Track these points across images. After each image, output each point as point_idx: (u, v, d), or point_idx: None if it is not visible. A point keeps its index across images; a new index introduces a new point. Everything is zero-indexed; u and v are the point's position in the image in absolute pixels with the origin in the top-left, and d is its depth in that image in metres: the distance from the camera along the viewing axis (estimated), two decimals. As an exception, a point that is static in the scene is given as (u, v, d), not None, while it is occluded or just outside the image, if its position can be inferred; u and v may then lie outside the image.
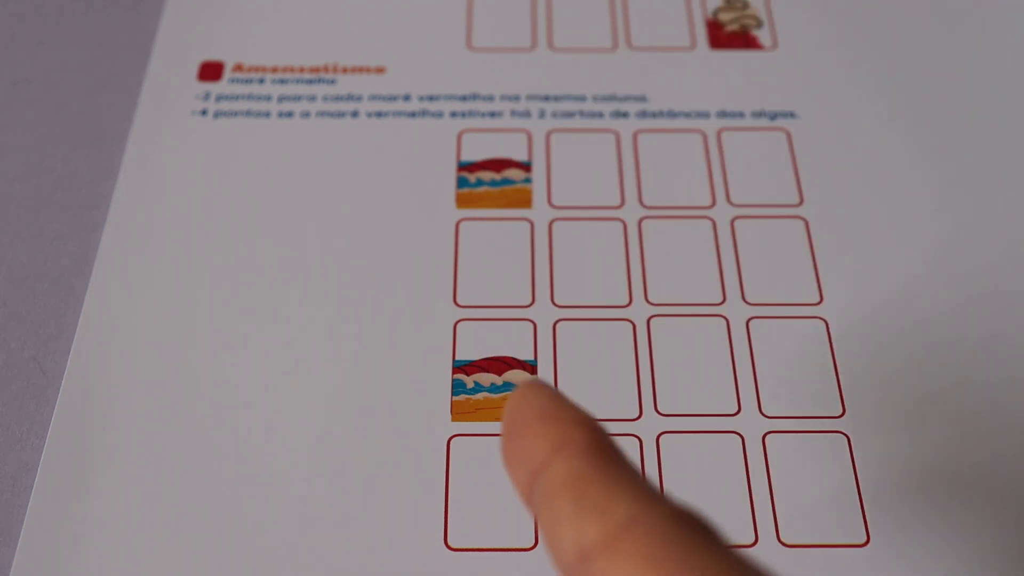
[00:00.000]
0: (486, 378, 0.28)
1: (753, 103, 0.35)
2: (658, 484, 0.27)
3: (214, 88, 0.35)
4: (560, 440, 0.15)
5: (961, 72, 0.36)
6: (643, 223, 0.32)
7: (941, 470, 0.27)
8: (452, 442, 0.27)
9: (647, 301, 0.30)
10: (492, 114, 0.35)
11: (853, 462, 0.27)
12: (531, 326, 0.29)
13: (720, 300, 0.30)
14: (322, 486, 0.27)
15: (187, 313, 0.30)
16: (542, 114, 0.34)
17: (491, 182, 0.33)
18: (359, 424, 0.28)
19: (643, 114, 0.34)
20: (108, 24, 0.38)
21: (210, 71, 0.36)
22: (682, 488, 0.26)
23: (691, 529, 0.14)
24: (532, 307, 0.30)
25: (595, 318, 0.30)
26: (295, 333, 0.29)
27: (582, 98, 0.35)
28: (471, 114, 0.35)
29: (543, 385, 0.17)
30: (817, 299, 0.30)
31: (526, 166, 0.33)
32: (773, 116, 0.35)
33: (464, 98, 0.35)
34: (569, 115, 0.34)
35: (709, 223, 0.32)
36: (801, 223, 0.32)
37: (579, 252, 0.31)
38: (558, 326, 0.29)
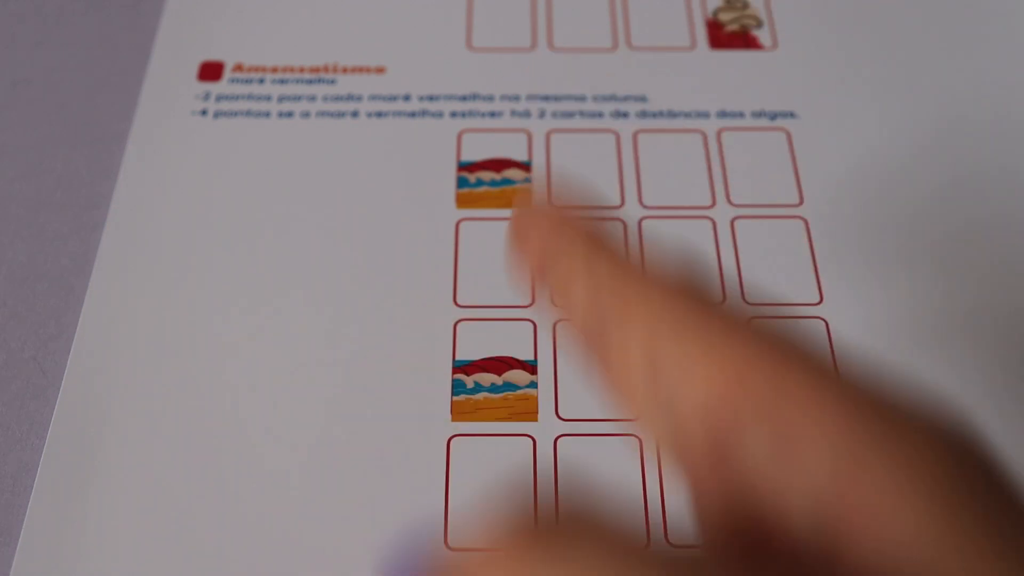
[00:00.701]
0: (486, 378, 0.28)
1: (753, 103, 0.35)
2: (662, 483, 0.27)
3: (214, 88, 0.35)
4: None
5: (961, 72, 0.36)
6: (643, 223, 0.32)
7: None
8: (452, 442, 0.27)
9: (647, 301, 0.30)
10: (492, 114, 0.35)
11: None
12: (531, 326, 0.29)
13: (720, 300, 0.30)
14: (322, 486, 0.27)
15: (187, 313, 0.30)
16: (542, 114, 0.34)
17: (491, 182, 0.33)
18: (359, 424, 0.28)
19: (643, 114, 0.34)
20: (108, 24, 0.38)
21: (210, 71, 0.36)
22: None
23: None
24: (532, 307, 0.30)
25: (595, 318, 0.30)
26: (295, 333, 0.29)
27: (582, 98, 0.35)
28: (471, 114, 0.35)
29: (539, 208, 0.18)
30: (817, 299, 0.30)
31: (526, 166, 0.33)
32: (773, 116, 0.34)
33: (464, 98, 0.35)
34: (569, 115, 0.34)
35: (709, 223, 0.32)
36: (801, 223, 0.32)
37: (579, 252, 0.31)
38: (558, 326, 0.29)
